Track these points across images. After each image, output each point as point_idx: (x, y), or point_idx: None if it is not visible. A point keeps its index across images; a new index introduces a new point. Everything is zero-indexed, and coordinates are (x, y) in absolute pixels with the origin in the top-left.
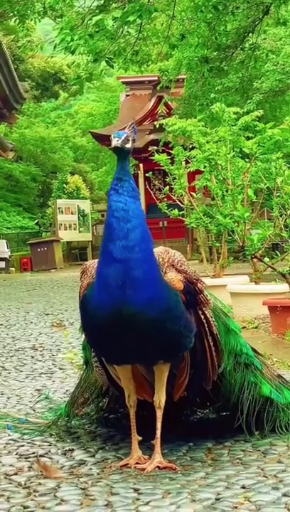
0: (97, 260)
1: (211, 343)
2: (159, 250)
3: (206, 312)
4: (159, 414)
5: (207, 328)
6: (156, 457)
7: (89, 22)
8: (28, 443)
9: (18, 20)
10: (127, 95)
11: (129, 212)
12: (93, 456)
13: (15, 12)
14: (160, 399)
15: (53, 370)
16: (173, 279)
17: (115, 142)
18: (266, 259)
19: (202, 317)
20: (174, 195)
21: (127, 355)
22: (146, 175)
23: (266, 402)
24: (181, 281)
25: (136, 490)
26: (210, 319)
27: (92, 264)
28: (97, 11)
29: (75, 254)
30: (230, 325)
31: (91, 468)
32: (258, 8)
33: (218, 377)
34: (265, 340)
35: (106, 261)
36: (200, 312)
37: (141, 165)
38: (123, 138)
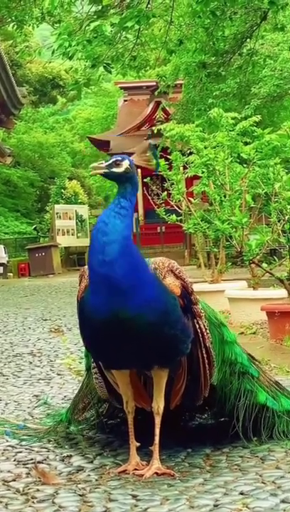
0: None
1: (204, 355)
2: (159, 258)
3: (200, 323)
4: (157, 420)
5: (201, 339)
6: (154, 463)
7: (87, 28)
8: (26, 449)
9: (16, 26)
10: (125, 100)
11: (108, 225)
12: (91, 462)
13: (13, 17)
14: (158, 405)
15: (51, 376)
16: (171, 284)
17: (97, 165)
18: (264, 265)
19: (197, 326)
20: (172, 201)
21: (125, 358)
22: (144, 180)
23: (262, 409)
24: (179, 286)
25: (134, 496)
26: (204, 331)
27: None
28: (95, 17)
29: (73, 259)
30: (225, 335)
31: (89, 475)
32: (256, 14)
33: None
34: (263, 345)
35: (91, 270)
36: (195, 321)
37: (139, 170)
38: (110, 161)
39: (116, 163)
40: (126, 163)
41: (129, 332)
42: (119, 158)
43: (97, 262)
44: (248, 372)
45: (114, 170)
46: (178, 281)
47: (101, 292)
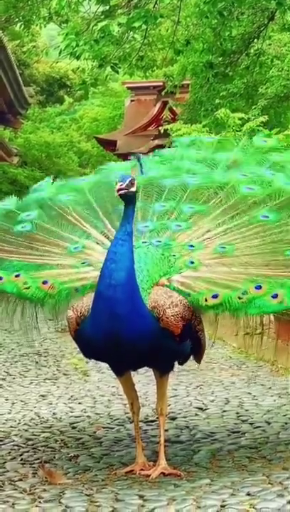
0: (78, 303)
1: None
2: (162, 294)
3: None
4: (162, 421)
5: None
6: (161, 463)
7: (94, 27)
8: (33, 449)
9: (23, 26)
10: (132, 100)
11: (116, 254)
12: (98, 462)
13: (21, 17)
14: (161, 407)
15: (58, 376)
16: (171, 324)
17: (119, 186)
18: None
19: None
20: None
21: (124, 367)
22: None
23: None
24: (179, 327)
25: (141, 496)
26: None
27: (75, 305)
28: (103, 17)
29: None
30: None
31: (96, 475)
32: (263, 14)
33: None
34: (269, 346)
35: (96, 295)
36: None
37: None
38: (127, 182)
39: (132, 183)
40: (136, 183)
41: (127, 350)
42: (134, 178)
43: (105, 285)
44: None
45: (132, 190)
46: (181, 322)
47: (103, 317)
